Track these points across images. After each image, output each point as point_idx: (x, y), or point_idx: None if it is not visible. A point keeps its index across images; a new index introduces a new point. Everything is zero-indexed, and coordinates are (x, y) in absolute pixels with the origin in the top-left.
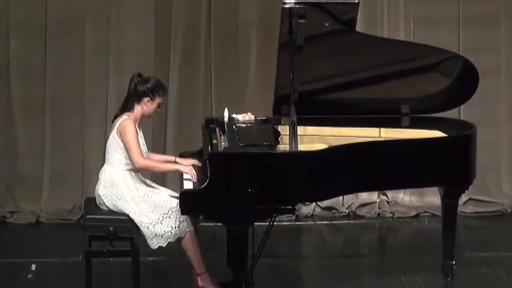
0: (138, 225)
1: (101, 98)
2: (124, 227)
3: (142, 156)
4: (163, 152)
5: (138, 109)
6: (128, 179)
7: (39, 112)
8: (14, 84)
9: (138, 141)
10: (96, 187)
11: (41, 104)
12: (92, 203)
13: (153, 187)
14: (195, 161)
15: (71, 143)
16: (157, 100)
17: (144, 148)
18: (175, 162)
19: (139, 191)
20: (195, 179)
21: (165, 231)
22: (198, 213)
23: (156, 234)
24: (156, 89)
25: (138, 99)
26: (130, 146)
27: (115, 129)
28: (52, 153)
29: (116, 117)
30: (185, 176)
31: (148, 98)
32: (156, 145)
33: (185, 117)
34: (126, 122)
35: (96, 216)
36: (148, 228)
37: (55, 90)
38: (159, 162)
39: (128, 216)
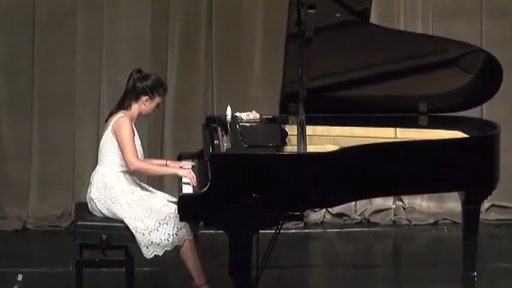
0: (133, 231)
1: (93, 96)
2: (118, 235)
3: (138, 157)
4: (161, 153)
5: (135, 107)
6: (123, 181)
7: (26, 111)
8: None
9: (134, 141)
10: (88, 190)
11: (27, 102)
12: (83, 209)
13: (150, 191)
14: (188, 163)
15: (61, 144)
16: (157, 99)
17: (139, 152)
18: (166, 165)
19: (134, 194)
20: (194, 183)
21: (161, 239)
22: (197, 219)
23: (152, 242)
24: (155, 88)
25: (136, 97)
26: (125, 145)
27: (110, 127)
28: (40, 155)
29: (111, 114)
30: (184, 179)
31: (147, 97)
32: (152, 146)
33: (184, 116)
34: (122, 120)
35: (88, 223)
36: (143, 235)
37: (43, 88)
38: (155, 165)
39: (122, 223)
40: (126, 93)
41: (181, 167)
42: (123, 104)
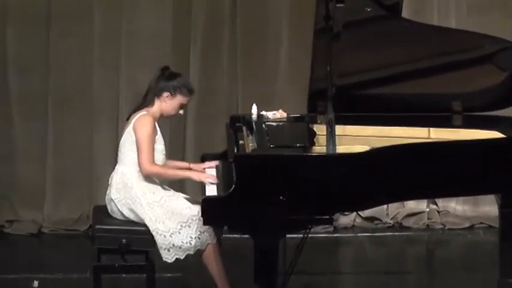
0: (153, 233)
1: (110, 94)
2: (138, 239)
3: (153, 161)
4: (183, 154)
5: (157, 105)
6: (143, 181)
7: (41, 110)
8: (12, 78)
9: (153, 144)
10: (108, 191)
11: (42, 100)
12: (101, 212)
13: (171, 192)
14: (211, 164)
15: (77, 145)
16: (179, 98)
17: (161, 153)
18: (189, 169)
19: (155, 194)
20: (215, 180)
21: (183, 242)
22: (221, 223)
23: (173, 245)
24: (179, 86)
25: (158, 94)
26: (142, 147)
27: (131, 125)
28: (56, 156)
29: (134, 111)
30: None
31: (167, 93)
32: (174, 146)
33: (207, 115)
34: (144, 118)
35: (107, 227)
36: (164, 237)
37: (58, 86)
38: (169, 168)
39: (142, 226)
40: (149, 90)
41: (204, 168)
42: (145, 101)
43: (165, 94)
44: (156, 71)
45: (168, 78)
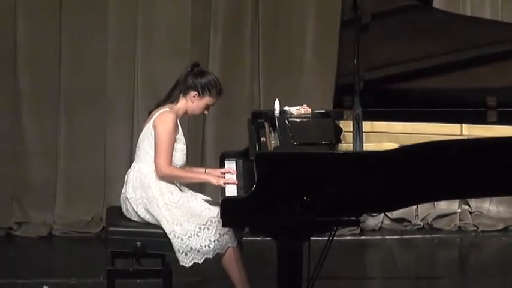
0: (170, 236)
1: (126, 88)
2: (154, 242)
3: (170, 163)
4: (202, 152)
5: (182, 103)
6: (161, 180)
7: (52, 106)
8: (22, 72)
9: (173, 143)
10: (123, 190)
11: (53, 95)
12: (115, 213)
13: (190, 192)
14: (230, 170)
15: (91, 142)
16: (206, 99)
17: (181, 153)
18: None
19: (173, 195)
20: (235, 181)
21: (202, 245)
22: (242, 225)
23: (191, 248)
24: (208, 86)
25: (185, 91)
26: (160, 145)
27: (152, 121)
28: (67, 154)
29: (157, 106)
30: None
31: (195, 93)
32: (193, 144)
33: (228, 110)
34: (167, 115)
35: (121, 229)
36: (182, 240)
37: (71, 79)
38: (186, 171)
39: (159, 228)
40: (176, 85)
41: (221, 173)
42: (170, 97)
43: (193, 93)
44: (186, 66)
45: (197, 76)
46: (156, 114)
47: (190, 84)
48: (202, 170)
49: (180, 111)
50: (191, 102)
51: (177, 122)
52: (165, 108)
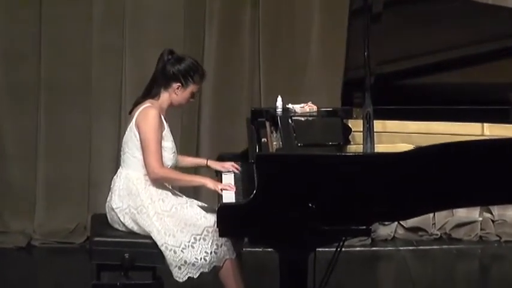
0: (162, 248)
1: (113, 83)
2: (144, 253)
3: (162, 163)
4: (196, 153)
5: (164, 97)
6: (151, 186)
7: (31, 103)
8: None
9: (160, 141)
10: (108, 198)
11: (33, 92)
12: (101, 221)
13: (183, 199)
14: (232, 165)
15: (74, 143)
16: (191, 87)
17: (170, 152)
18: (207, 166)
19: (165, 203)
20: (232, 190)
21: (197, 258)
22: (241, 235)
23: (185, 262)
24: (190, 73)
25: (166, 84)
26: (147, 145)
27: (133, 120)
28: (48, 156)
29: (136, 104)
30: (224, 178)
31: (178, 84)
32: (186, 144)
33: (225, 109)
34: (149, 112)
35: (108, 239)
36: (175, 252)
37: (52, 74)
38: (181, 173)
39: (149, 238)
40: (155, 79)
41: (222, 167)
42: (150, 92)
43: (175, 85)
44: (160, 56)
45: (175, 64)
46: (137, 112)
47: (170, 74)
48: (204, 161)
49: (163, 105)
50: (175, 95)
51: (161, 117)
52: (146, 104)
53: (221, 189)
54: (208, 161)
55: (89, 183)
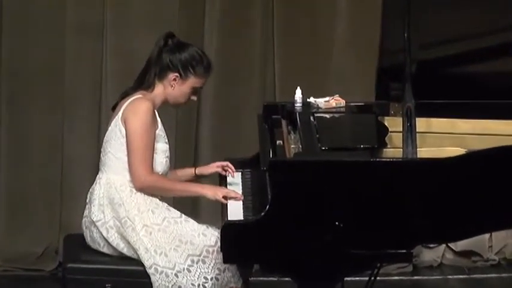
0: (151, 271)
1: (91, 72)
2: (130, 284)
3: (151, 169)
4: (194, 159)
5: (159, 89)
6: (139, 194)
7: None
8: None
9: (152, 142)
10: (86, 212)
11: None
12: (76, 243)
13: (177, 213)
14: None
15: (42, 145)
16: (191, 81)
17: (164, 155)
18: (195, 175)
19: (155, 214)
20: (238, 197)
21: (194, 285)
22: (250, 260)
23: None
24: (191, 63)
25: (161, 74)
26: (135, 145)
27: (120, 113)
28: (10, 162)
29: (123, 96)
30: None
31: (175, 75)
32: (182, 148)
33: (230, 104)
34: (140, 103)
35: (84, 266)
36: (167, 276)
37: (15, 60)
38: (173, 181)
39: (136, 264)
40: (148, 67)
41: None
42: (142, 82)
43: (172, 75)
44: (157, 41)
45: (174, 51)
46: (124, 105)
47: (166, 63)
48: (191, 171)
49: (156, 99)
50: (171, 88)
51: (154, 112)
52: (137, 95)
53: (224, 198)
54: (197, 169)
55: (61, 196)
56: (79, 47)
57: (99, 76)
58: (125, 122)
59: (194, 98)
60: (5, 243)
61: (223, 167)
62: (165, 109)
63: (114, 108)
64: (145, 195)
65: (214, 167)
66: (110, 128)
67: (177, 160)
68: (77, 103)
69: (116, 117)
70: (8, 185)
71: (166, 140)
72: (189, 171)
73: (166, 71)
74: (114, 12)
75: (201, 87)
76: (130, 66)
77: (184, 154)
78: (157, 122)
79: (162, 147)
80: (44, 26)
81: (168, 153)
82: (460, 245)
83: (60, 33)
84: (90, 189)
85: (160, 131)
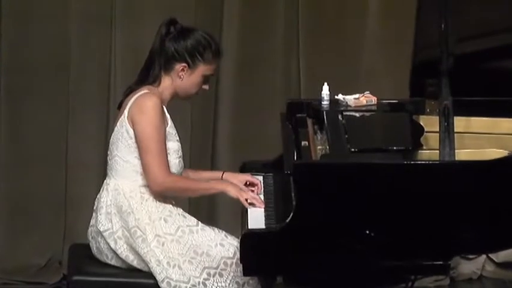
0: (163, 285)
1: (98, 65)
2: None
3: (168, 169)
4: (212, 162)
5: (166, 82)
6: (150, 201)
7: None
8: None
9: (164, 139)
10: (92, 221)
11: None
12: (82, 254)
13: (193, 221)
14: (253, 179)
15: (45, 147)
16: (201, 69)
17: (176, 155)
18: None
19: (168, 223)
20: (261, 204)
21: None
22: (273, 273)
23: None
24: (198, 49)
25: (167, 66)
26: (148, 145)
27: (125, 112)
28: (10, 166)
29: (127, 94)
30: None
31: (183, 65)
32: (198, 150)
33: (250, 101)
34: (147, 99)
35: (91, 278)
36: None
37: (15, 54)
38: (193, 180)
39: (147, 276)
40: (152, 59)
41: (247, 184)
42: (146, 77)
43: (179, 66)
44: (159, 29)
45: (178, 39)
46: (130, 101)
47: (171, 52)
48: (218, 174)
49: (165, 94)
50: (180, 80)
51: (162, 108)
52: (143, 91)
53: (246, 201)
54: (225, 174)
55: (66, 202)
56: (85, 39)
57: (107, 72)
58: (131, 121)
59: (206, 87)
60: (5, 253)
61: (246, 200)
62: (179, 106)
63: (120, 106)
64: (158, 202)
65: (243, 179)
66: (115, 129)
67: (192, 164)
68: (82, 100)
69: (122, 116)
70: (7, 190)
71: (178, 138)
72: (216, 175)
73: (172, 62)
74: (124, 1)
75: (212, 75)
76: (141, 61)
77: (199, 155)
78: (167, 118)
79: (174, 147)
80: (46, 18)
81: (180, 153)
82: (502, 255)
83: (63, 25)
84: (98, 196)
85: (170, 128)
